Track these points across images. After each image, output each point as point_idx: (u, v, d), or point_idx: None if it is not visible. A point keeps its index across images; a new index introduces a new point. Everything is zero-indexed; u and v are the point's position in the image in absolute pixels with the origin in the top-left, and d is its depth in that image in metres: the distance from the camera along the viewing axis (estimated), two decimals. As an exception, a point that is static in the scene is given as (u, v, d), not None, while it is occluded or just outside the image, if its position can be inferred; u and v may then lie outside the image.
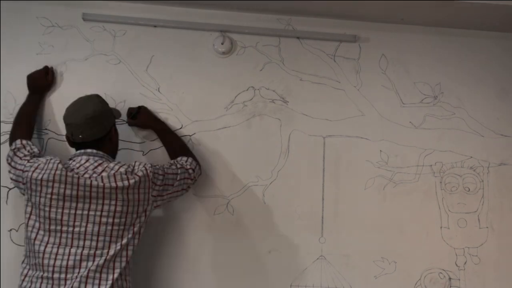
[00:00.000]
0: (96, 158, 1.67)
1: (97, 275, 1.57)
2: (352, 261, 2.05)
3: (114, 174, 1.61)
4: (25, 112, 1.92)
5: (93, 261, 1.58)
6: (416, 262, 2.06)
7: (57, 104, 2.01)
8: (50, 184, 1.59)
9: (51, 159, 1.65)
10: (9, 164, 1.74)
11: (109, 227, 1.60)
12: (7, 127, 1.97)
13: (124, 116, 2.00)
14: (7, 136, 1.95)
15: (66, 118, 1.70)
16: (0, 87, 2.00)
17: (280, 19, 2.15)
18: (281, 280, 2.02)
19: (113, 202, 1.61)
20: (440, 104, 2.16)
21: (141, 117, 1.99)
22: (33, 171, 1.62)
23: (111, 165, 1.65)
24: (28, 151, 1.76)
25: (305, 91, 2.12)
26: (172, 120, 2.05)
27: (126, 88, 2.05)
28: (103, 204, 1.60)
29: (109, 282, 1.58)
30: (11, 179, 1.73)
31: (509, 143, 2.17)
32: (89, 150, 1.68)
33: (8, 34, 2.03)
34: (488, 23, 2.15)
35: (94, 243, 1.60)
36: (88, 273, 1.56)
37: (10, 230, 1.93)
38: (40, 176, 1.60)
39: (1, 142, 1.96)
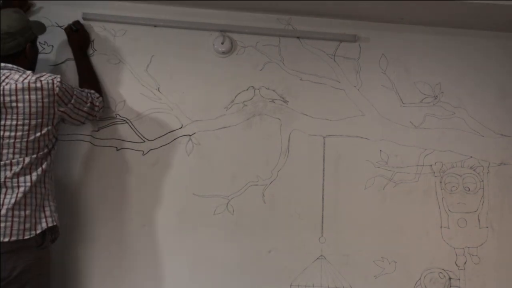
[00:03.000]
0: (5, 71, 1.67)
1: (9, 184, 1.59)
2: (352, 261, 2.05)
3: (16, 84, 1.61)
4: None
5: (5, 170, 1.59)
6: (416, 262, 2.06)
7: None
8: None
9: None
10: None
11: (12, 140, 1.61)
12: (7, 127, 1.97)
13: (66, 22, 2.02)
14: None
15: None
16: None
17: (280, 19, 2.15)
18: (281, 280, 2.02)
19: (14, 116, 1.61)
20: (440, 104, 2.17)
21: (78, 36, 2.00)
22: None
23: (16, 76, 1.64)
24: None
25: (305, 91, 2.12)
26: (172, 120, 2.05)
27: (126, 88, 2.05)
28: (5, 119, 1.60)
29: (14, 197, 1.59)
30: None
31: (509, 143, 2.17)
32: (2, 65, 1.68)
33: (8, 34, 2.03)
34: (488, 23, 2.14)
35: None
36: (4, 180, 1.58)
37: (10, 229, 1.93)
38: None
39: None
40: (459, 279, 2.07)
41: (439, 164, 2.13)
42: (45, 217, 1.66)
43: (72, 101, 1.74)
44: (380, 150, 2.12)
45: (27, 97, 1.62)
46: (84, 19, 2.05)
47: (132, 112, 2.04)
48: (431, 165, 2.13)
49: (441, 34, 2.20)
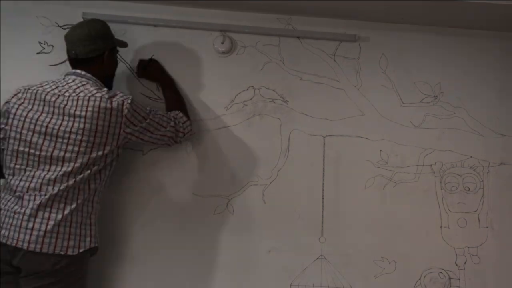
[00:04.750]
0: (83, 80, 1.70)
1: (58, 199, 1.59)
2: (352, 261, 2.05)
3: (89, 98, 1.63)
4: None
5: (53, 185, 1.60)
6: (416, 262, 2.06)
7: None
8: (28, 107, 1.65)
9: (28, 88, 1.69)
10: None
11: (74, 155, 1.62)
12: (7, 127, 1.97)
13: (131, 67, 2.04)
14: (7, 136, 1.96)
15: (65, 35, 1.75)
16: (0, 86, 1.99)
17: (280, 18, 2.15)
18: (281, 280, 2.01)
19: (80, 131, 1.62)
20: (440, 103, 2.16)
21: (150, 70, 2.01)
22: (15, 102, 1.68)
23: (91, 88, 1.66)
24: None
25: (305, 90, 2.12)
26: (172, 119, 2.05)
27: (126, 88, 2.04)
28: (70, 132, 1.61)
29: (67, 210, 1.59)
30: None
31: (509, 143, 2.17)
32: (78, 71, 1.72)
33: (8, 34, 2.03)
34: (488, 23, 2.15)
35: (58, 168, 1.61)
36: (49, 196, 1.58)
37: (10, 229, 1.93)
38: (19, 102, 1.67)
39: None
40: (459, 279, 2.07)
41: (439, 164, 2.13)
42: (90, 236, 1.66)
43: (144, 124, 1.73)
44: (380, 150, 2.12)
45: (96, 115, 1.62)
46: (84, 19, 2.04)
47: (132, 112, 2.03)
48: (431, 165, 2.13)
49: (441, 34, 2.20)
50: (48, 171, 1.61)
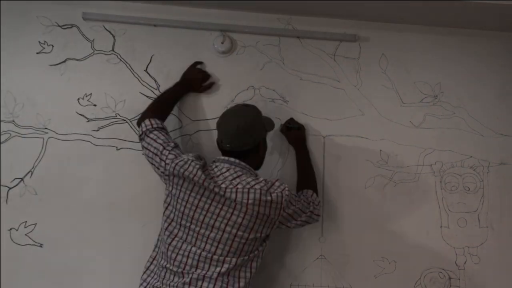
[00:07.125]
0: (237, 169, 1.69)
1: (211, 281, 1.59)
2: (352, 260, 2.05)
3: (248, 190, 1.62)
4: (163, 98, 1.95)
5: (209, 265, 1.60)
6: (416, 262, 2.06)
7: (57, 103, 2.01)
8: (191, 184, 1.63)
9: (192, 160, 1.66)
10: (143, 140, 1.78)
11: (231, 237, 1.61)
12: (7, 127, 1.97)
13: (275, 121, 2.01)
14: (7, 136, 1.96)
15: (219, 124, 1.77)
16: (0, 86, 2.00)
17: (280, 18, 2.15)
18: (281, 280, 2.01)
19: (241, 215, 1.61)
20: (440, 103, 2.17)
21: (294, 135, 2.03)
22: (175, 167, 1.65)
23: (249, 179, 1.65)
24: (163, 135, 1.77)
25: (305, 90, 2.12)
26: (172, 119, 2.05)
27: (126, 88, 2.05)
28: (231, 214, 1.61)
29: None
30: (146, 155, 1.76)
31: (509, 142, 2.17)
32: (232, 159, 1.71)
33: (8, 34, 2.03)
34: (488, 23, 2.15)
35: (213, 249, 1.61)
36: (203, 276, 1.59)
37: (10, 229, 1.93)
38: (181, 172, 1.63)
39: (0, 141, 1.97)
40: (459, 279, 2.07)
41: (439, 164, 2.13)
42: None
43: (290, 210, 1.71)
44: (380, 150, 2.12)
45: (256, 208, 1.61)
46: (84, 18, 2.05)
47: (132, 111, 2.04)
48: (431, 165, 2.13)
49: (441, 34, 2.21)
50: (203, 249, 1.62)
